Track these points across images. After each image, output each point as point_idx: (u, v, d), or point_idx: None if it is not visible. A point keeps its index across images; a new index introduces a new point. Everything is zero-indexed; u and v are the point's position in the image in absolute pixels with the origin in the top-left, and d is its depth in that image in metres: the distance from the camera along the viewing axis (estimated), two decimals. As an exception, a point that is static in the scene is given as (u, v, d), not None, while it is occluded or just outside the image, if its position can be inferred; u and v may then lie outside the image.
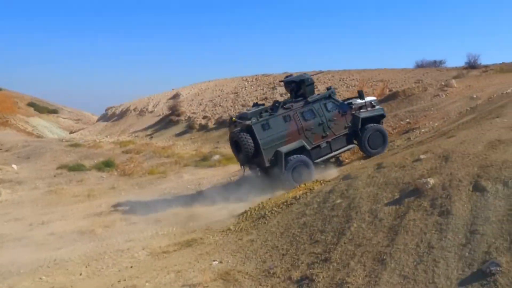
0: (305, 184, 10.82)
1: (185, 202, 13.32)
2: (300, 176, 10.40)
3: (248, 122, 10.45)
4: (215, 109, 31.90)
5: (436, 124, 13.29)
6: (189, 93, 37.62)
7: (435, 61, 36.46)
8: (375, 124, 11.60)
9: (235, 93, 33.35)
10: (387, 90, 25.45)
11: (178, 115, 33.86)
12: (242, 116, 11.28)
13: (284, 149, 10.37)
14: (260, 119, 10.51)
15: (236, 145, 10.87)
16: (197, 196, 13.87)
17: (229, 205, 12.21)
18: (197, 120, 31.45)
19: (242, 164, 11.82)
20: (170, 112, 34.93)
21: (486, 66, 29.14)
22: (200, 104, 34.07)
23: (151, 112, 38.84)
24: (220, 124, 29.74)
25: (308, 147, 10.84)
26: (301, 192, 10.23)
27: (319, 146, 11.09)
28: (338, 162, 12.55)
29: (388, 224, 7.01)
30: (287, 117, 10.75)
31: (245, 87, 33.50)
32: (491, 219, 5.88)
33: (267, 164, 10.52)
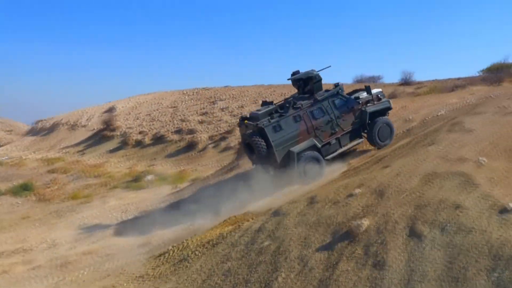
0: (235, 216, 9.82)
1: (103, 236, 11.80)
2: (312, 174, 10.45)
3: (260, 125, 10.37)
4: (152, 124, 30.15)
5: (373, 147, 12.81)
6: (125, 106, 35.42)
7: (373, 77, 37.34)
8: (383, 117, 11.64)
9: (174, 107, 31.80)
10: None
11: (113, 130, 31.69)
12: (253, 117, 11.09)
13: (296, 149, 10.39)
14: (272, 121, 10.44)
15: (248, 146, 10.79)
16: (119, 227, 12.40)
17: (152, 239, 10.92)
18: (132, 136, 29.49)
19: (255, 163, 11.71)
20: (104, 126, 32.66)
21: (419, 83, 30.05)
22: (137, 119, 32.11)
23: (84, 126, 36.09)
24: (157, 139, 28.10)
25: (319, 145, 10.84)
26: (229, 228, 9.17)
27: (329, 143, 11.12)
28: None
29: (319, 275, 6.09)
30: (297, 117, 10.72)
31: (184, 101, 32.08)
32: (429, 275, 5.13)
33: (281, 164, 10.52)
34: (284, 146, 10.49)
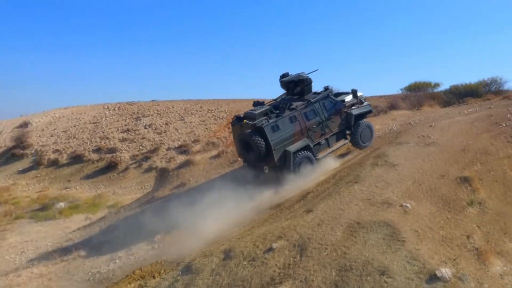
0: (141, 269, 8.44)
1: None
2: (305, 173, 10.67)
3: (259, 124, 10.40)
4: (69, 142, 27.40)
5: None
6: (40, 121, 32.05)
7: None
8: (365, 121, 12.20)
9: (94, 123, 29.27)
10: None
11: (24, 148, 28.36)
12: (249, 116, 11.04)
13: (292, 148, 10.64)
14: (270, 121, 10.56)
15: (246, 145, 10.77)
16: (6, 282, 10.36)
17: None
18: (46, 154, 26.52)
19: (248, 162, 11.55)
20: (15, 144, 29.15)
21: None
22: (52, 135, 29.10)
23: (-9, 142, 32.15)
24: (74, 159, 25.50)
25: (311, 145, 11.12)
26: (135, 285, 7.78)
27: (319, 143, 11.45)
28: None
29: None
30: (293, 118, 10.93)
31: (106, 117, 29.71)
32: None
33: (277, 163, 10.58)
34: (281, 145, 10.62)
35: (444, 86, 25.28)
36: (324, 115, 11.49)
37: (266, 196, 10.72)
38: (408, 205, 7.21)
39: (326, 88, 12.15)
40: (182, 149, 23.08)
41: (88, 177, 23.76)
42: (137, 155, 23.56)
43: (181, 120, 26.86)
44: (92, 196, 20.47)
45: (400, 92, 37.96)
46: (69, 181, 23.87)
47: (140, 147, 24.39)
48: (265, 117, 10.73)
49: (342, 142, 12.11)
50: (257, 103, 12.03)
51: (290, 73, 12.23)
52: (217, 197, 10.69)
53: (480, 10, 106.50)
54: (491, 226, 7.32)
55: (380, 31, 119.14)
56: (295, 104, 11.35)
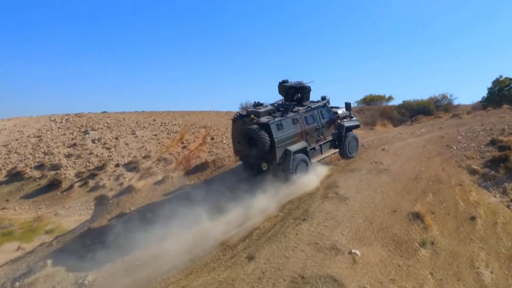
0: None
1: None
2: (301, 173, 10.74)
3: (265, 121, 10.51)
4: (10, 157, 25.15)
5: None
6: (-22, 133, 29.48)
7: (258, 103, 36.90)
8: (352, 133, 12.63)
9: (38, 136, 27.05)
10: (209, 137, 23.66)
11: (-43, 163, 25.86)
12: (254, 113, 11.04)
13: (293, 148, 10.80)
14: (276, 119, 10.68)
15: (250, 141, 10.65)
16: None
17: None
18: (-18, 171, 24.28)
19: (247, 159, 11.51)
20: None
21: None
22: (-11, 150, 26.76)
23: None
24: (13, 176, 23.35)
25: (308, 149, 11.35)
26: None
27: (314, 148, 11.67)
28: None
29: None
30: (295, 120, 11.14)
31: (52, 130, 27.58)
32: None
33: (278, 160, 10.60)
34: (283, 144, 10.73)
35: (397, 99, 25.53)
36: (321, 122, 11.81)
37: (215, 226, 9.79)
38: (357, 252, 6.54)
39: (324, 98, 12.65)
40: (132, 166, 21.67)
41: (29, 196, 21.79)
42: (83, 172, 21.90)
43: (132, 134, 25.43)
44: (31, 219, 18.68)
45: (355, 104, 38.48)
46: (7, 200, 21.78)
47: (87, 164, 22.75)
48: (269, 116, 10.90)
49: (332, 150, 12.38)
50: (257, 104, 12.15)
51: (289, 81, 12.54)
52: (161, 227, 9.65)
53: (433, 23, 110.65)
54: (444, 271, 6.79)
55: (340, 39, 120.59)
56: (298, 108, 11.60)
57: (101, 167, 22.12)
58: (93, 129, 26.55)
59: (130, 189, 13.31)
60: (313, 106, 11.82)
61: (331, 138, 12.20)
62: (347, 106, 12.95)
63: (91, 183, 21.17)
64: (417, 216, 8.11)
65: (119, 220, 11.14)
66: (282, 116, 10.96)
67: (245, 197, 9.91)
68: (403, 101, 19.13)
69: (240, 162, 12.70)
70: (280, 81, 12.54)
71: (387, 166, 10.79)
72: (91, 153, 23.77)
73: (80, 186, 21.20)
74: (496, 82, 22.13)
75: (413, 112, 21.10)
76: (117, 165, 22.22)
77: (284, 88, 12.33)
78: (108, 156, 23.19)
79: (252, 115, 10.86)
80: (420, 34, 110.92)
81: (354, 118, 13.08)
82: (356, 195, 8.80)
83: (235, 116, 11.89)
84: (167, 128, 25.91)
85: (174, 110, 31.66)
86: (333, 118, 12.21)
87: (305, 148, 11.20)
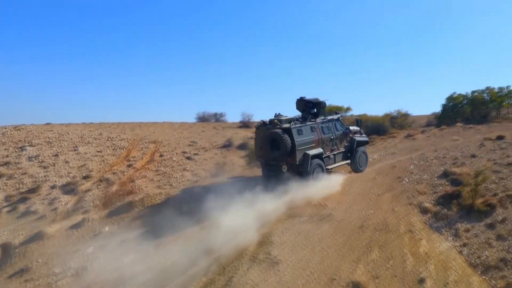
0: None
1: None
2: (317, 176, 11.36)
3: (288, 126, 11.45)
4: None
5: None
6: None
7: (215, 114, 35.50)
8: (363, 148, 13.38)
9: (-34, 152, 24.33)
10: (158, 154, 21.84)
11: None
12: (277, 120, 12.02)
13: (311, 152, 11.55)
14: (296, 125, 11.59)
15: (272, 143, 11.54)
16: None
17: None
18: None
19: (270, 160, 12.07)
20: None
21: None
22: None
23: None
24: None
25: (323, 155, 12.05)
26: None
27: (328, 156, 12.39)
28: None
29: None
30: (313, 128, 12.00)
31: (-17, 145, 24.85)
32: None
33: (298, 162, 11.36)
34: (302, 148, 11.51)
35: (356, 111, 24.58)
36: (335, 133, 12.73)
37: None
38: None
39: (337, 113, 14.24)
40: (69, 188, 19.50)
41: (-50, 224, 19.27)
42: (13, 195, 19.54)
43: (74, 150, 23.12)
44: None
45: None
46: None
47: (19, 185, 20.32)
48: (290, 123, 11.73)
49: (344, 161, 13.07)
50: (278, 114, 12.80)
51: (306, 97, 13.27)
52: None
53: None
54: None
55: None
56: (314, 119, 12.60)
57: (35, 189, 19.76)
58: (31, 145, 23.95)
59: (40, 235, 11.38)
60: (328, 118, 12.89)
61: (344, 150, 13.07)
62: (358, 122, 14.15)
63: (22, 208, 18.74)
64: (357, 286, 6.78)
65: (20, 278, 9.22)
66: (301, 124, 11.93)
67: None
68: (357, 119, 18.11)
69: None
70: (298, 98, 13.33)
71: (331, 210, 9.49)
72: (25, 173, 21.30)
73: (8, 211, 18.78)
74: (450, 98, 21.61)
75: (368, 130, 20.14)
76: (53, 187, 19.95)
77: (303, 103, 13.12)
78: (44, 176, 20.81)
79: (276, 120, 11.89)
80: (379, 49, 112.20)
81: (363, 135, 14.00)
82: (291, 256, 7.39)
83: (259, 124, 12.85)
84: (113, 144, 23.78)
85: (127, 121, 29.53)
86: (346, 132, 13.16)
87: (321, 154, 12.06)
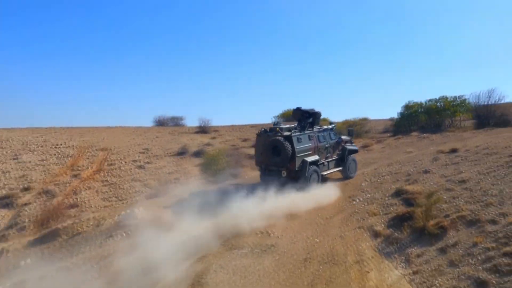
0: None
1: None
2: (313, 181, 11.95)
3: (288, 133, 12.05)
4: None
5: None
6: None
7: (174, 117, 34.14)
8: (353, 156, 13.94)
9: None
10: (106, 163, 20.35)
11: None
12: (275, 128, 12.54)
13: (309, 159, 12.14)
14: (296, 134, 12.20)
15: (273, 149, 12.02)
16: None
17: None
18: None
19: (271, 166, 12.46)
20: None
21: (216, 131, 27.81)
22: None
23: None
24: None
25: (319, 162, 12.65)
26: None
27: (323, 163, 12.93)
28: None
29: None
30: (311, 136, 12.72)
31: None
32: None
33: (297, 168, 11.86)
34: (301, 155, 12.06)
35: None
36: (329, 142, 13.37)
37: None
38: None
39: (331, 123, 14.62)
40: (6, 201, 17.72)
41: None
42: None
43: (15, 159, 21.20)
44: None
45: (275, 119, 36.84)
46: None
47: None
48: (290, 131, 12.26)
49: (336, 168, 13.61)
50: (277, 123, 13.79)
51: (302, 107, 13.73)
52: None
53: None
54: None
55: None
56: (311, 128, 13.16)
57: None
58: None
59: None
60: (324, 128, 13.59)
61: (336, 158, 13.68)
62: (350, 132, 14.82)
63: None
64: None
65: None
66: (300, 132, 12.52)
67: None
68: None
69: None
70: (295, 107, 13.83)
71: (276, 239, 8.60)
72: (-49, 187, 19.27)
73: None
74: (406, 107, 21.40)
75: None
76: (-14, 201, 18.10)
77: (300, 112, 13.53)
78: (-26, 191, 18.90)
79: (277, 128, 12.37)
80: (341, 51, 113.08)
81: (353, 144, 14.75)
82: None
83: (260, 131, 13.18)
84: (58, 151, 21.97)
85: (78, 125, 27.65)
86: (339, 141, 13.80)
87: (318, 161, 12.61)
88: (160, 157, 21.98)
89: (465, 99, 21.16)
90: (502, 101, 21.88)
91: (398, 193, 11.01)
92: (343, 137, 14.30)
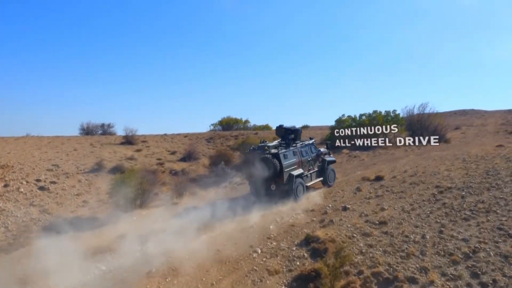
0: None
1: None
2: (300, 193, 12.56)
3: (276, 151, 12.65)
4: None
5: None
6: None
7: (102, 124, 30.83)
8: (331, 166, 14.74)
9: None
10: (2, 184, 17.01)
11: None
12: (263, 146, 13.14)
13: (295, 173, 12.73)
14: (282, 151, 12.80)
15: (263, 166, 12.35)
16: None
17: None
18: None
19: (259, 182, 12.70)
20: None
21: (144, 142, 24.92)
22: None
23: None
24: None
25: (303, 175, 13.25)
26: None
27: (307, 175, 13.57)
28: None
29: None
30: (295, 152, 13.32)
31: None
32: None
33: (285, 182, 12.42)
34: (288, 169, 12.66)
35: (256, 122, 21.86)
36: (311, 156, 13.93)
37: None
38: None
39: (311, 138, 15.36)
40: None
41: None
42: None
43: None
44: None
45: (210, 128, 34.51)
46: None
47: None
48: (276, 149, 12.91)
49: (318, 179, 14.18)
50: (263, 141, 14.35)
51: (284, 125, 14.45)
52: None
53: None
54: None
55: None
56: (295, 144, 13.80)
57: None
58: None
59: None
60: (306, 143, 14.21)
61: (317, 169, 14.23)
62: (327, 145, 15.45)
63: None
64: None
65: None
66: (286, 149, 13.08)
67: None
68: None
69: None
70: (278, 125, 14.59)
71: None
72: None
73: None
74: (339, 121, 19.71)
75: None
76: None
77: (283, 130, 14.25)
78: None
79: (265, 147, 12.85)
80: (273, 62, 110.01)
81: (331, 156, 15.30)
82: None
83: (249, 149, 13.84)
84: None
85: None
86: (319, 154, 14.33)
87: (302, 174, 13.12)
88: (70, 175, 18.86)
89: (398, 114, 19.86)
90: (434, 111, 20.96)
91: (307, 241, 9.00)
92: (321, 149, 14.92)
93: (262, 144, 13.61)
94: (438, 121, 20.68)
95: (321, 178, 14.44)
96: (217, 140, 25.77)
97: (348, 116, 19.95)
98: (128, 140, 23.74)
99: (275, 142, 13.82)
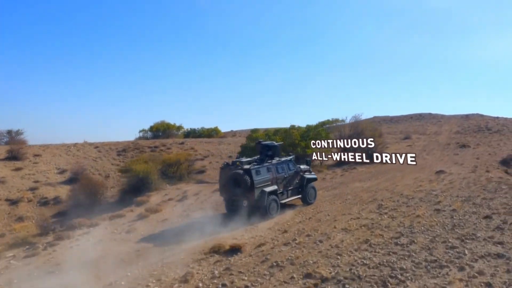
0: None
1: None
2: (273, 210, 12.12)
3: (248, 167, 12.08)
4: None
5: None
6: None
7: (10, 131, 25.57)
8: (312, 183, 13.81)
9: None
10: None
11: None
12: (239, 162, 12.67)
13: (268, 189, 12.19)
14: (255, 167, 12.19)
15: (234, 182, 12.11)
16: None
17: None
18: None
19: (232, 196, 12.41)
20: None
21: (37, 155, 20.01)
22: None
23: None
24: None
25: (278, 192, 12.66)
26: None
27: (282, 192, 12.95)
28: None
29: None
30: (269, 168, 12.57)
31: None
32: None
33: (256, 198, 12.04)
34: (260, 186, 12.01)
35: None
36: (288, 172, 13.13)
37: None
38: None
39: (290, 155, 15.09)
40: None
41: None
42: None
43: None
44: None
45: (140, 135, 29.93)
46: None
47: None
48: (250, 165, 12.23)
49: (296, 196, 13.42)
50: (239, 156, 15.22)
51: (262, 141, 14.44)
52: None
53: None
54: None
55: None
56: (270, 160, 12.99)
57: None
58: None
59: None
60: (282, 160, 13.40)
61: (295, 186, 13.33)
62: (307, 162, 14.36)
63: None
64: None
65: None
66: (259, 165, 12.44)
67: None
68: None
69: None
70: (257, 141, 14.77)
71: None
72: None
73: None
74: (250, 138, 15.82)
75: (133, 183, 13.16)
76: None
77: (261, 146, 13.65)
78: None
79: (238, 162, 12.41)
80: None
81: (312, 173, 14.32)
82: None
83: (223, 165, 13.11)
84: None
85: None
86: (297, 171, 13.50)
87: (276, 190, 12.49)
88: None
89: (323, 128, 16.25)
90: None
91: None
92: (301, 166, 14.16)
93: (236, 160, 13.25)
94: (371, 133, 17.29)
95: (300, 196, 13.63)
96: (130, 153, 21.26)
97: (265, 129, 16.20)
98: (13, 155, 18.79)
99: (249, 158, 13.30)
